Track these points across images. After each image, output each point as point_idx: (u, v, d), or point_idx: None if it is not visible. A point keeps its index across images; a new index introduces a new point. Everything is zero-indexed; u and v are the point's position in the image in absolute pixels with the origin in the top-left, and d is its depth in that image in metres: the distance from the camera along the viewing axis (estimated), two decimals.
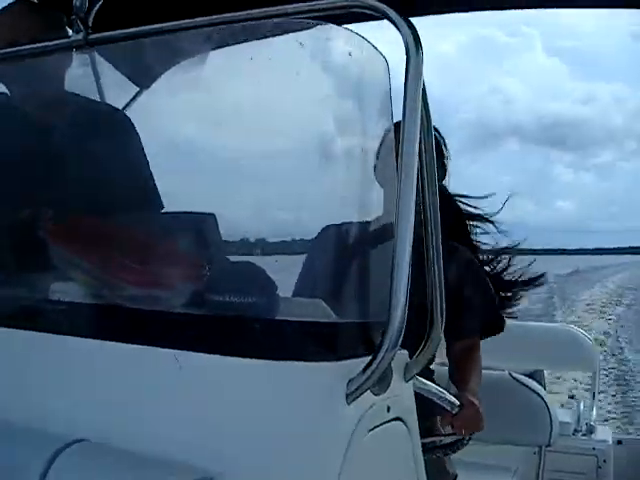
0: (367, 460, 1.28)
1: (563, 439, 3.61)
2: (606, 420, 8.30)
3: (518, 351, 4.03)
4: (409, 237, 1.20)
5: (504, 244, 2.54)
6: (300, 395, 1.19)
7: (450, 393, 1.88)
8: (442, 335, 1.45)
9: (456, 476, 2.32)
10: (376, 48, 1.35)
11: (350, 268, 1.50)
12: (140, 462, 1.18)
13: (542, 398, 3.18)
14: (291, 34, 1.44)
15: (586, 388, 9.34)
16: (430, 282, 1.42)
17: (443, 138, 2.43)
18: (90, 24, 1.58)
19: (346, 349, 1.23)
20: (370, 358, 1.20)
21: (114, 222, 1.63)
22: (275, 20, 1.44)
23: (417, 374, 1.49)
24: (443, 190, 2.47)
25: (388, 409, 1.36)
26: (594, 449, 3.71)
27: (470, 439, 2.00)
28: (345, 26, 1.40)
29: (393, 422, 1.39)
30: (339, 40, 1.38)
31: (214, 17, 1.47)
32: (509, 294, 2.51)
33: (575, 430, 3.87)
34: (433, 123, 1.42)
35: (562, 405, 6.43)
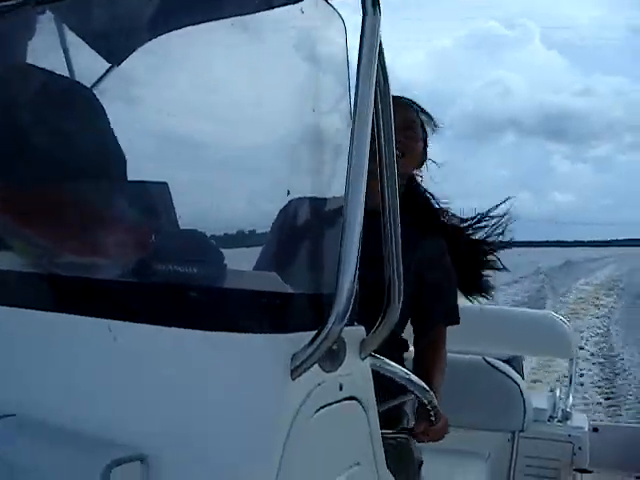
0: (314, 440, 1.21)
1: (538, 425, 3.58)
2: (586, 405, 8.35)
3: (496, 336, 4.00)
4: (360, 208, 1.13)
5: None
6: (239, 369, 1.12)
7: None
8: (398, 312, 1.37)
9: (421, 462, 2.25)
10: (334, 8, 1.27)
11: (305, 242, 1.42)
12: (68, 439, 1.11)
13: (516, 383, 3.13)
14: None
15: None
16: (387, 258, 1.35)
17: (430, 116, 2.32)
18: None
19: (292, 321, 1.16)
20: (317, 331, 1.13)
21: (62, 192, 1.54)
22: None
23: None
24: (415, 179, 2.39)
25: (341, 387, 1.28)
26: (570, 436, 3.68)
27: (436, 419, 1.93)
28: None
29: (347, 401, 1.32)
30: None
31: None
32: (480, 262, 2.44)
33: (551, 416, 3.83)
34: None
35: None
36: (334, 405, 1.27)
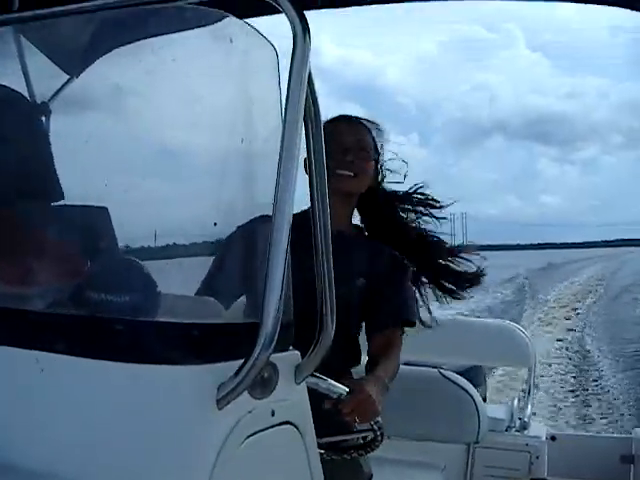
0: (246, 467, 1.22)
1: (495, 435, 3.61)
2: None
3: (455, 347, 4.02)
4: (286, 230, 1.14)
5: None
6: (162, 402, 1.12)
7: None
8: (332, 335, 1.39)
9: (371, 476, 2.26)
10: (264, 37, 1.29)
11: (242, 268, 1.44)
12: None
13: (471, 395, 3.17)
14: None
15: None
16: (320, 283, 1.36)
17: (380, 129, 2.35)
18: None
19: (217, 351, 1.16)
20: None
21: None
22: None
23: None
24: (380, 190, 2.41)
25: (273, 413, 1.29)
26: (527, 445, 3.71)
27: (382, 436, 1.94)
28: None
29: (281, 426, 1.33)
30: (223, 27, 1.30)
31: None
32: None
33: (508, 426, 3.86)
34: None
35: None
36: (267, 431, 1.28)
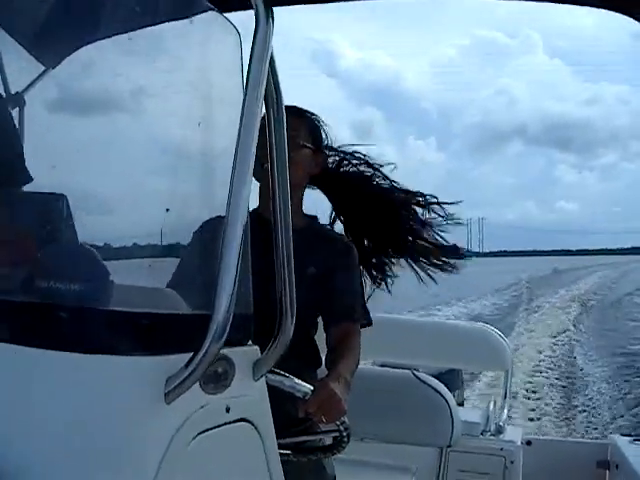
0: (196, 464, 1.17)
1: (469, 439, 3.56)
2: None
3: (431, 349, 3.99)
4: (240, 221, 1.09)
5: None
6: (108, 395, 1.06)
7: None
8: (292, 329, 1.34)
9: (334, 477, 2.21)
10: (227, 19, 1.24)
11: (200, 260, 1.39)
12: None
13: (444, 398, 3.12)
14: None
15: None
16: (278, 274, 1.31)
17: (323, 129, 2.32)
18: None
19: (167, 343, 1.11)
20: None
21: None
22: None
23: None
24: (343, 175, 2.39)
25: (228, 409, 1.24)
26: (502, 449, 3.67)
27: (348, 437, 1.87)
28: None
29: (236, 424, 1.28)
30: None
31: None
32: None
33: (484, 430, 3.82)
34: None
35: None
36: (220, 428, 1.23)
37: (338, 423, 1.81)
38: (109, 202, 1.44)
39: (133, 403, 1.07)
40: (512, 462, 3.64)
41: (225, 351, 1.20)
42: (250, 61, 1.16)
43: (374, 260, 2.53)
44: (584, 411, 9.40)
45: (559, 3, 2.20)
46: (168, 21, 1.36)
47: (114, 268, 1.27)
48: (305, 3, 1.99)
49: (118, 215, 1.42)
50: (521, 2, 2.26)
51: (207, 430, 1.19)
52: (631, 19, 1.97)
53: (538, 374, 11.81)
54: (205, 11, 1.26)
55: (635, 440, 3.91)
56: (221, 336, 1.08)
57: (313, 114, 2.28)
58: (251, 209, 1.20)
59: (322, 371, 2.16)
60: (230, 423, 1.25)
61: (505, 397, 4.23)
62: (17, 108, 1.94)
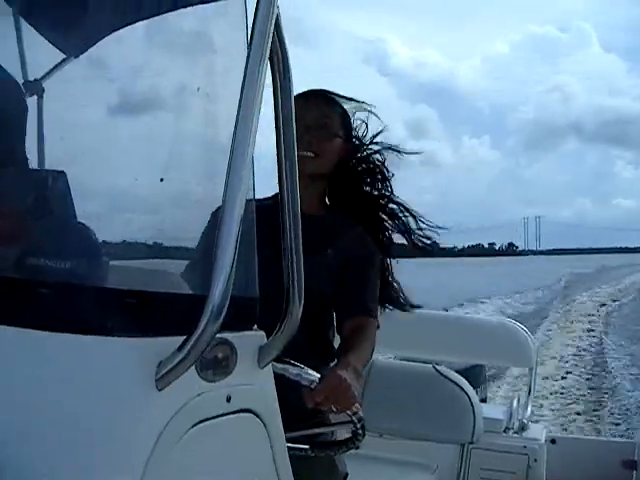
0: (192, 457, 1.08)
1: (492, 436, 3.46)
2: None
3: (455, 344, 3.89)
4: (239, 199, 1.01)
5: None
6: (97, 377, 0.99)
7: None
8: (300, 312, 1.25)
9: (346, 475, 2.10)
10: None
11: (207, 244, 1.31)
12: None
13: (466, 393, 3.01)
14: None
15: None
16: (286, 258, 1.23)
17: (357, 101, 2.21)
18: None
19: (161, 324, 1.02)
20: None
21: None
22: None
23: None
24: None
25: (228, 399, 1.16)
26: (525, 447, 3.56)
27: (363, 430, 1.76)
28: None
29: (239, 414, 1.19)
30: None
31: None
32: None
33: (507, 428, 3.71)
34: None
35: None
36: (221, 418, 1.14)
37: (350, 413, 1.70)
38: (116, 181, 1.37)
39: (123, 387, 1.00)
40: (535, 460, 3.53)
41: (226, 335, 1.12)
42: (254, 19, 1.07)
43: None
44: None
45: None
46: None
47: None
48: None
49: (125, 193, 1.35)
50: None
51: (205, 420, 1.10)
52: None
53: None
54: None
55: None
56: (217, 317, 0.99)
57: (352, 99, 2.18)
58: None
59: None
60: (231, 413, 1.17)
61: (529, 394, 4.12)
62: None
